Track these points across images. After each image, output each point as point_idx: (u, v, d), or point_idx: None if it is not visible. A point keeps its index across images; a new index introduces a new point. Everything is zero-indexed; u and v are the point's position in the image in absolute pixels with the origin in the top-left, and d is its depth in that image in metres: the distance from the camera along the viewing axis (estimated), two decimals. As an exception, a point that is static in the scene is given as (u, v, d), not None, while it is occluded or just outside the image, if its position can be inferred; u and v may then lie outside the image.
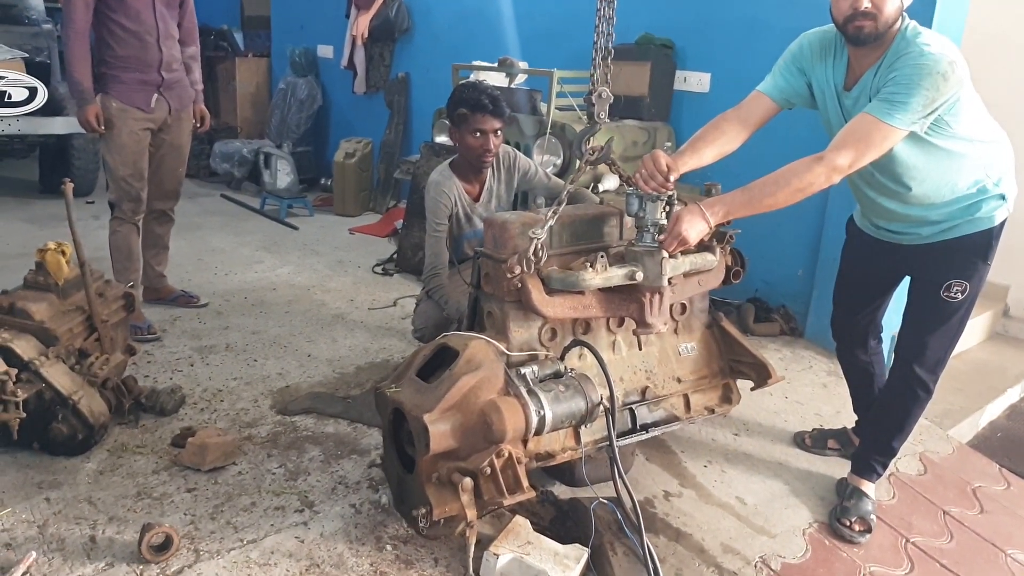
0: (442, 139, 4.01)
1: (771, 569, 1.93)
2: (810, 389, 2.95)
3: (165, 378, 2.69)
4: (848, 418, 2.63)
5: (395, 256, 4.23)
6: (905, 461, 2.48)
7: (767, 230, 3.01)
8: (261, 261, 4.22)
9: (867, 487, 2.17)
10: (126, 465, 2.12)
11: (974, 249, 1.87)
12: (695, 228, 1.77)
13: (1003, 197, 1.86)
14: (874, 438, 2.17)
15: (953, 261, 1.89)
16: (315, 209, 5.49)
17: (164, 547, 1.73)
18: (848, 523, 2.08)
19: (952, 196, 1.84)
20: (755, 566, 1.93)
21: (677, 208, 1.83)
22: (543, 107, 3.57)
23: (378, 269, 4.15)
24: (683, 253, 1.87)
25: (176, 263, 3.93)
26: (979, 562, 2.10)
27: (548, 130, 3.40)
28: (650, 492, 2.19)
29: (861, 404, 2.39)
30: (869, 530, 2.08)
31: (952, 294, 1.89)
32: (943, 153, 1.78)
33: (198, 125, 3.30)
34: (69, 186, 2.30)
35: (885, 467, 2.19)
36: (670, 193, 1.82)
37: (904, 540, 2.13)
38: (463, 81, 3.51)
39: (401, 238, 4.23)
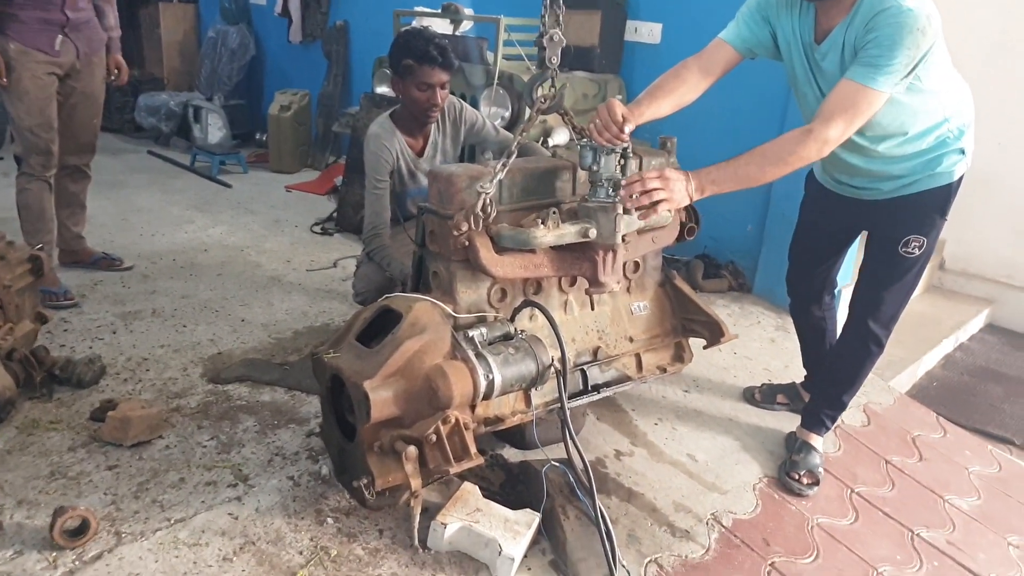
0: (383, 90, 3.80)
1: (722, 525, 1.92)
2: (759, 344, 2.96)
3: (84, 347, 2.49)
4: (796, 372, 2.66)
5: (335, 215, 4.04)
6: (850, 413, 2.51)
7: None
8: (191, 221, 3.97)
9: (816, 441, 2.18)
10: (38, 443, 1.94)
11: (933, 204, 1.86)
12: (678, 199, 1.66)
13: (963, 151, 1.84)
14: (825, 393, 2.18)
15: (912, 216, 1.87)
16: (249, 166, 5.20)
17: (80, 531, 1.59)
18: (797, 477, 2.09)
19: (914, 150, 1.81)
20: (706, 523, 1.92)
21: (632, 161, 1.74)
22: (490, 56, 3.40)
23: (317, 228, 3.96)
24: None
25: (99, 223, 3.67)
26: (919, 509, 2.15)
27: (496, 80, 3.24)
28: (601, 452, 2.15)
29: (812, 359, 2.40)
30: (817, 483, 2.10)
31: (909, 249, 1.88)
32: (909, 108, 1.74)
33: (112, 78, 3.02)
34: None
35: (834, 421, 2.20)
36: (625, 145, 1.72)
37: (849, 491, 2.16)
38: (406, 28, 3.31)
39: (341, 195, 4.03)
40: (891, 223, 1.91)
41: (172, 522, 1.69)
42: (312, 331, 2.74)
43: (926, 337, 3.37)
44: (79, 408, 2.11)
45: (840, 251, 2.17)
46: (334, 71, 5.27)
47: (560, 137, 3.14)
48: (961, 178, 1.87)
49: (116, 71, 3.02)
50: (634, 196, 1.64)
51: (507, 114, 3.25)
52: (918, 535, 2.04)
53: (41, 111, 2.73)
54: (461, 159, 2.63)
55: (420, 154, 2.48)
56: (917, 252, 1.89)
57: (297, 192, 4.72)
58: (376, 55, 3.90)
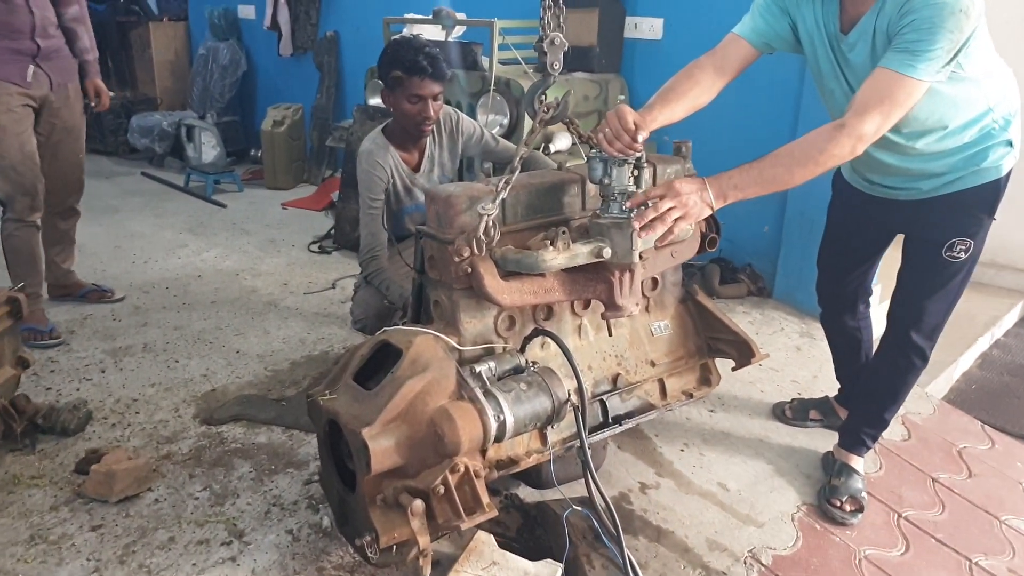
0: (376, 101, 3.66)
1: (762, 564, 1.76)
2: (784, 354, 2.79)
3: (71, 389, 2.35)
4: (826, 383, 2.49)
5: (332, 231, 3.90)
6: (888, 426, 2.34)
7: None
8: (185, 245, 3.83)
9: (856, 462, 2.02)
10: (18, 502, 1.80)
11: (980, 203, 1.68)
12: (696, 213, 1.51)
13: (1010, 143, 1.66)
14: (864, 410, 2.01)
15: (957, 217, 1.70)
16: (244, 184, 5.08)
17: (59, 606, 1.45)
18: (839, 503, 1.92)
19: (956, 145, 1.64)
20: (744, 562, 1.75)
21: (647, 172, 1.57)
22: (484, 61, 3.25)
23: (314, 247, 3.82)
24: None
25: (90, 252, 3.56)
26: (974, 532, 1.97)
27: (492, 87, 3.09)
28: (625, 485, 1.99)
29: (846, 372, 2.23)
30: (861, 509, 1.93)
31: (955, 253, 1.70)
32: (949, 99, 1.57)
33: (92, 104, 2.83)
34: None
35: (875, 440, 2.04)
36: (638, 155, 1.56)
37: (896, 516, 1.98)
38: (396, 36, 3.17)
39: (338, 211, 3.89)
40: (933, 225, 1.74)
41: (160, 590, 1.55)
42: (310, 360, 2.59)
43: (961, 335, 3.18)
44: (63, 459, 1.97)
45: (874, 256, 2.00)
46: (326, 83, 5.13)
47: (562, 143, 2.99)
48: (1009, 173, 1.70)
49: (96, 96, 2.84)
50: (647, 224, 1.48)
51: (505, 121, 3.10)
52: (976, 564, 1.85)
53: (21, 146, 2.55)
54: (460, 172, 2.48)
55: (416, 169, 2.33)
56: (963, 256, 1.72)
57: (293, 209, 4.59)
58: (368, 65, 3.76)
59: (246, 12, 5.70)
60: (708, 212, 1.53)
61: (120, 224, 4.16)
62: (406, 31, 3.48)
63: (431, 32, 3.46)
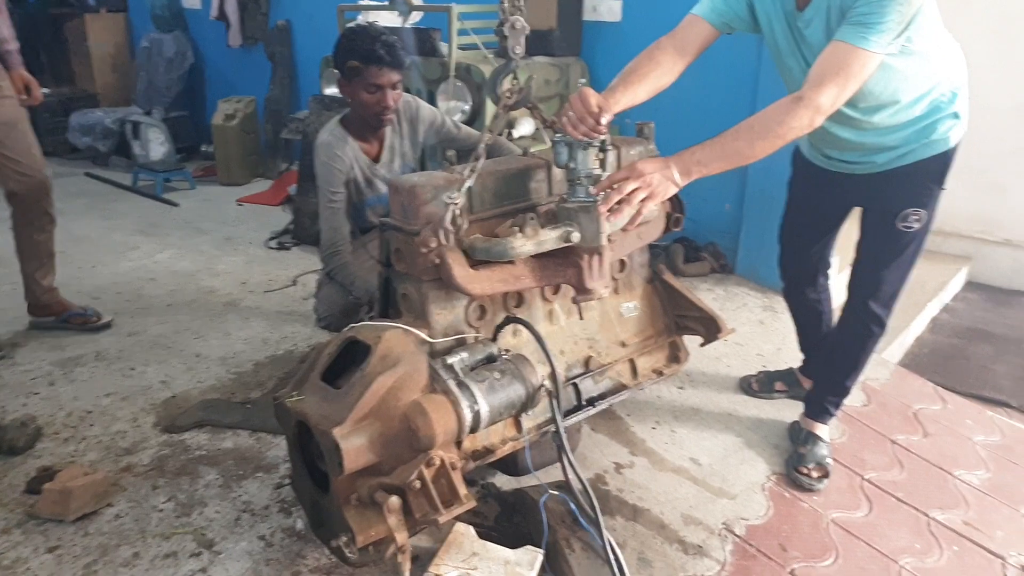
0: (332, 91, 3.58)
1: (735, 535, 1.79)
2: (748, 328, 2.84)
3: (17, 405, 2.24)
4: (789, 355, 2.54)
5: (291, 227, 3.81)
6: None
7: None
8: (136, 247, 3.70)
9: (821, 430, 2.07)
10: (-32, 526, 1.72)
11: (930, 174, 1.73)
12: (662, 191, 1.50)
13: (957, 115, 1.71)
14: (827, 379, 2.07)
15: (909, 188, 1.75)
16: (197, 181, 4.93)
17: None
18: (806, 471, 1.98)
19: (908, 118, 1.68)
20: (719, 534, 1.79)
21: (611, 154, 1.57)
22: (443, 47, 3.19)
23: (273, 243, 3.72)
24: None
25: (31, 259, 3.37)
26: (931, 489, 2.06)
27: (452, 73, 3.04)
28: (600, 467, 2.00)
29: (809, 343, 2.28)
30: (827, 475, 1.99)
31: (909, 223, 1.75)
32: (900, 74, 1.61)
33: (23, 98, 2.60)
34: None
35: (838, 407, 2.09)
36: (603, 138, 1.55)
37: (859, 479, 2.05)
38: (351, 24, 3.09)
39: (296, 205, 3.81)
40: (887, 197, 1.79)
41: (129, 607, 1.49)
42: (275, 361, 2.53)
43: (912, 301, 3.28)
44: (12, 480, 1.87)
45: (833, 230, 2.04)
46: (279, 74, 5.00)
47: (525, 128, 2.96)
48: (958, 144, 1.75)
49: (25, 89, 2.59)
50: (614, 208, 1.48)
51: (467, 107, 3.06)
52: (934, 519, 1.94)
53: None
54: (422, 161, 2.44)
55: (376, 160, 2.28)
56: (917, 226, 1.77)
57: (249, 205, 4.47)
58: (322, 54, 3.67)
59: (191, 2, 5.51)
60: (674, 190, 1.53)
61: (64, 228, 3.89)
62: (361, 18, 3.40)
63: (387, 19, 3.39)
